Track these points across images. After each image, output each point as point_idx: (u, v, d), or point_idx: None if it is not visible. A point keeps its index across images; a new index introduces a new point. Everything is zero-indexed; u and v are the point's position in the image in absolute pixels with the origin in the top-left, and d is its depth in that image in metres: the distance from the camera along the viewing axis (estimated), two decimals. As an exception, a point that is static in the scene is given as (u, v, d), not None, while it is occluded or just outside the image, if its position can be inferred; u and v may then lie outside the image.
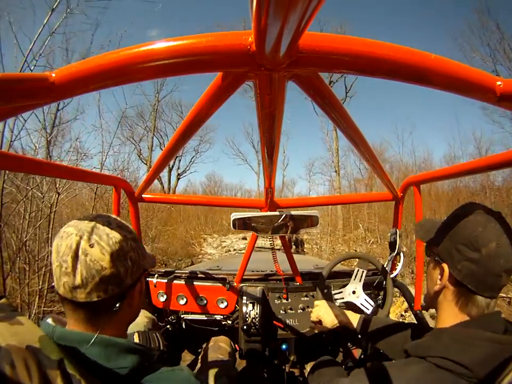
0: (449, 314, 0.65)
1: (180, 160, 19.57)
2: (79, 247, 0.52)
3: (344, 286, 1.44)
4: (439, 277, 0.67)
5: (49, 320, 0.57)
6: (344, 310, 1.15)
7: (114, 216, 0.62)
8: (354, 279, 1.42)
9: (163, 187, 17.49)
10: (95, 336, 0.53)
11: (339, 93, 16.10)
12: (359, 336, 1.09)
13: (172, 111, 18.79)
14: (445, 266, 0.65)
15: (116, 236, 0.55)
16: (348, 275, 1.47)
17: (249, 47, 0.35)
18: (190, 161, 20.11)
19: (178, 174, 19.59)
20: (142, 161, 17.50)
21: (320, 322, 1.17)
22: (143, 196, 1.35)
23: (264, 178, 0.97)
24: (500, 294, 0.64)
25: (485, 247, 0.59)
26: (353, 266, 1.55)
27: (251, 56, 0.36)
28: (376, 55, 0.39)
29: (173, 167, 19.15)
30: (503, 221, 0.63)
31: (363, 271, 1.42)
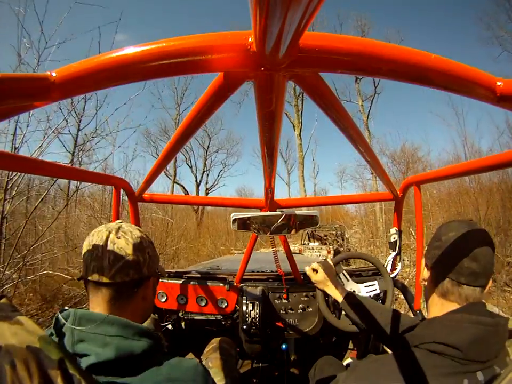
0: (435, 306, 0.72)
1: (208, 174, 19.13)
2: (109, 238, 0.63)
3: None
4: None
5: (67, 308, 0.62)
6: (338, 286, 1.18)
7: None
8: (347, 282, 1.38)
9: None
10: (116, 316, 0.59)
11: (367, 89, 16.13)
12: (342, 309, 1.12)
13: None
14: (423, 260, 0.80)
15: (137, 233, 0.68)
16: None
17: (249, 47, 0.35)
18: (218, 175, 19.60)
19: (207, 189, 19.12)
20: (168, 177, 17.57)
21: (313, 275, 1.23)
22: (143, 195, 1.35)
23: (264, 178, 0.97)
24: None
25: (445, 235, 0.72)
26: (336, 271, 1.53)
27: (251, 56, 0.36)
28: (376, 55, 0.39)
29: (200, 181, 18.81)
30: (474, 227, 0.70)
31: (343, 271, 1.38)
